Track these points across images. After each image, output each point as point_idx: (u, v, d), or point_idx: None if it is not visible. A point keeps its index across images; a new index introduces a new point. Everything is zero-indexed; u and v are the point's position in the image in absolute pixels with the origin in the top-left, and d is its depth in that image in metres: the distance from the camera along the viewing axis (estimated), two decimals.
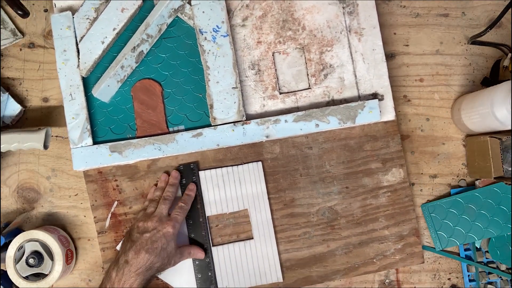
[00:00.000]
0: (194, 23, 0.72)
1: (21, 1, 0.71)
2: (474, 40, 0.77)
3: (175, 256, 0.69)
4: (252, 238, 0.75)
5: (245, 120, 0.72)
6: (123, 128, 0.73)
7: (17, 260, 0.71)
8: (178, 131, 0.73)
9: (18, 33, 0.78)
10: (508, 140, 0.70)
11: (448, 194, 0.77)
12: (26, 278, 0.71)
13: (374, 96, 0.73)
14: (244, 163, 0.75)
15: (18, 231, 0.75)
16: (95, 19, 0.73)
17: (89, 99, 0.73)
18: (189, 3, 0.73)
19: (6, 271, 0.71)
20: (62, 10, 0.74)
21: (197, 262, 0.74)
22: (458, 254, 0.77)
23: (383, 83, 0.73)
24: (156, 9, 0.72)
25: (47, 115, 0.78)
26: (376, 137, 0.76)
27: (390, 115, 0.74)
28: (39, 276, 0.72)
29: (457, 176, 0.78)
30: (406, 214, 0.75)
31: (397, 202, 0.75)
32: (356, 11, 0.74)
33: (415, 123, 0.78)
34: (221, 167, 0.75)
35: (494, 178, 0.71)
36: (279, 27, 0.74)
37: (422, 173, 0.78)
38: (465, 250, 0.77)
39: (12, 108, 0.76)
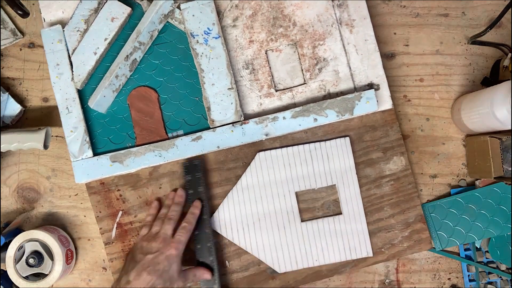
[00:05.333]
0: (185, 27, 0.72)
1: (21, 1, 0.71)
2: (474, 40, 0.77)
3: (178, 280, 0.67)
4: (341, 213, 0.74)
5: (244, 120, 0.72)
6: (122, 138, 0.73)
7: (17, 260, 0.71)
8: (177, 136, 0.73)
9: (18, 33, 0.78)
10: (508, 140, 0.70)
11: (448, 194, 0.77)
12: (26, 278, 0.72)
13: (370, 86, 0.73)
14: (330, 140, 0.75)
15: (18, 231, 0.75)
16: (86, 30, 0.73)
17: (86, 111, 0.73)
18: (179, 7, 0.72)
19: (6, 271, 0.71)
20: (52, 23, 0.74)
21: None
22: (458, 254, 0.77)
23: (377, 73, 0.73)
24: (146, 16, 0.72)
25: (47, 115, 0.78)
26: (375, 127, 0.76)
27: (387, 104, 0.73)
28: (39, 276, 0.72)
29: (457, 176, 0.78)
30: (411, 201, 0.75)
31: (400, 190, 0.75)
32: (346, 3, 0.74)
33: (415, 123, 0.78)
34: (308, 142, 0.75)
35: (494, 178, 0.71)
36: (270, 25, 0.74)
37: (422, 173, 0.78)
38: (465, 250, 0.77)
39: (12, 108, 0.76)
